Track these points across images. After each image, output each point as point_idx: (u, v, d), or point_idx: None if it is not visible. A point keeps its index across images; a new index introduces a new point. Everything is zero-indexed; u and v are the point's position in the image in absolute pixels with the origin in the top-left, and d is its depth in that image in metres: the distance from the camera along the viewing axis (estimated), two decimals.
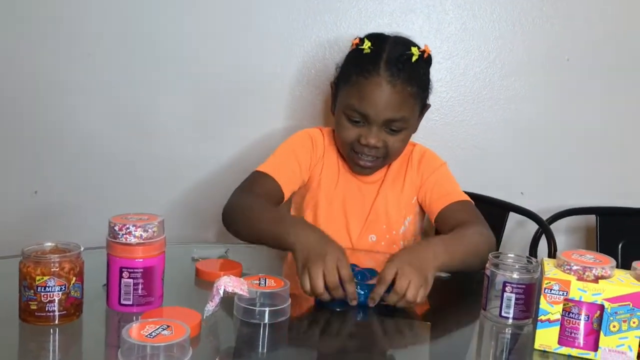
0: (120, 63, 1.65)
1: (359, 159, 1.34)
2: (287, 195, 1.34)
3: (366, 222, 1.40)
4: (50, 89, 1.65)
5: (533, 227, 1.58)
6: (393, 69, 1.25)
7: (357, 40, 1.33)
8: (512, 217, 1.61)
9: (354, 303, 1.02)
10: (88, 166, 1.69)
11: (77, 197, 1.69)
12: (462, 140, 1.71)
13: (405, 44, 1.31)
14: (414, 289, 0.99)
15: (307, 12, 1.63)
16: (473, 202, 1.35)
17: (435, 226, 1.38)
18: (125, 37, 1.64)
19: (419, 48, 1.31)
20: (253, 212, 1.20)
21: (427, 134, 1.58)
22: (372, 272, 1.09)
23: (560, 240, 1.69)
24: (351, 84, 1.29)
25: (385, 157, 1.34)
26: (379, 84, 1.25)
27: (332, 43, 1.58)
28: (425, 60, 1.33)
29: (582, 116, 1.70)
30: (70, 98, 1.66)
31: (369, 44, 1.30)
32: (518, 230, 1.70)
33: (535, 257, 1.53)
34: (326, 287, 1.00)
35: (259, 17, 1.63)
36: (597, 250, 1.59)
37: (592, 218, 1.66)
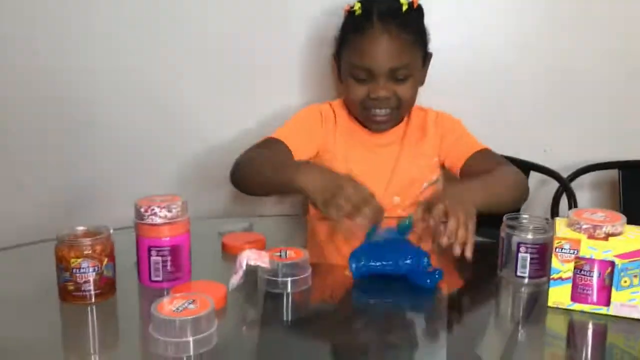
0: (138, 44, 1.68)
1: (373, 115, 1.38)
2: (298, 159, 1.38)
3: (388, 185, 1.43)
4: (74, 73, 1.70)
5: (555, 184, 1.59)
6: (385, 20, 1.32)
7: (347, 7, 1.40)
8: (534, 175, 1.61)
9: (382, 217, 1.05)
10: (114, 149, 1.74)
11: (106, 179, 1.74)
12: (481, 97, 1.70)
13: None
14: (463, 228, 1.00)
15: None
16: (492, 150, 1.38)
17: (462, 177, 1.40)
18: (141, 16, 1.66)
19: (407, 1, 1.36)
20: (257, 163, 1.25)
21: (445, 91, 1.58)
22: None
23: (584, 196, 1.70)
24: (350, 45, 1.36)
25: (398, 108, 1.38)
26: (375, 36, 1.32)
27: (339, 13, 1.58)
28: (416, 10, 1.38)
29: (604, 69, 1.68)
30: (94, 82, 1.70)
31: (359, 5, 1.37)
32: (541, 189, 1.70)
33: (557, 215, 1.54)
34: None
35: None
36: (620, 206, 1.61)
37: (615, 173, 1.65)
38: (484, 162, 1.34)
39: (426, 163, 1.43)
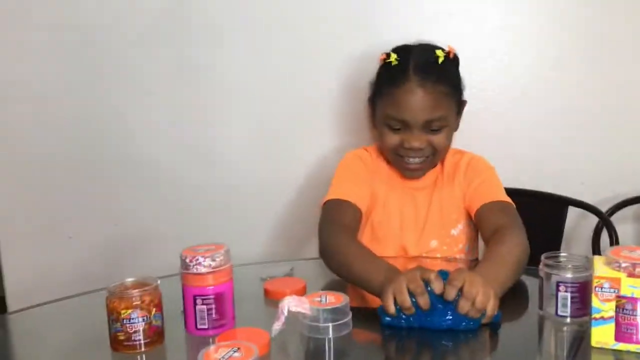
0: (181, 98, 1.77)
1: (406, 163, 1.39)
2: (364, 212, 1.39)
3: (424, 228, 1.44)
4: (123, 126, 1.78)
5: (595, 219, 1.58)
6: (422, 73, 1.33)
7: (383, 56, 1.41)
8: (573, 209, 1.60)
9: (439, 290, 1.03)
10: (161, 197, 1.81)
11: (153, 226, 1.81)
12: (515, 136, 1.72)
13: (429, 48, 1.38)
14: (482, 296, 1.01)
15: (347, 27, 1.69)
16: (514, 206, 1.34)
17: (475, 224, 1.40)
18: (182, 72, 1.75)
19: (443, 50, 1.37)
20: (347, 257, 1.23)
21: (478, 132, 1.60)
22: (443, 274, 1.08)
23: (625, 230, 1.67)
24: (385, 95, 1.37)
25: (433, 155, 1.39)
26: (411, 89, 1.32)
27: (376, 56, 1.62)
28: (452, 60, 1.40)
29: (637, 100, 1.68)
30: (140, 138, 1.79)
31: (395, 55, 1.38)
32: (581, 223, 1.69)
33: (599, 250, 1.53)
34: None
35: (307, 40, 1.72)
36: None
37: None
38: (497, 216, 1.30)
39: (456, 206, 1.43)
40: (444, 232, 1.43)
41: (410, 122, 1.34)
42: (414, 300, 1.03)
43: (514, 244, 1.20)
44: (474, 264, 1.37)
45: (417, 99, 1.32)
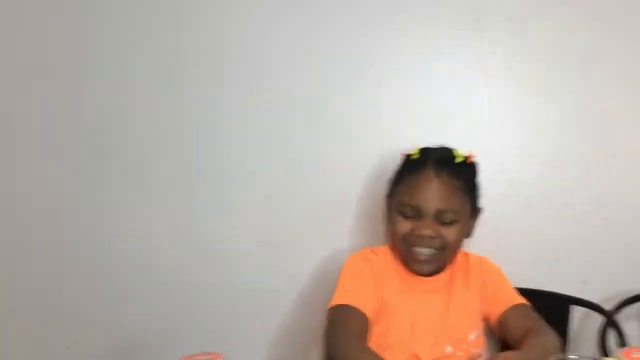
0: (188, 198, 1.75)
1: (416, 254, 1.38)
2: (370, 318, 1.36)
3: (440, 333, 1.39)
4: (114, 226, 1.76)
5: (599, 317, 1.55)
6: (439, 165, 1.38)
7: (405, 152, 1.48)
8: (577, 309, 1.58)
9: None
10: (162, 300, 1.76)
11: (153, 336, 1.75)
12: (518, 235, 1.71)
13: (449, 148, 1.46)
14: None
15: (358, 129, 1.71)
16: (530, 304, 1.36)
17: (499, 330, 1.38)
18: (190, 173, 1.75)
19: (463, 154, 1.44)
20: None
21: (481, 232, 1.57)
22: None
23: (632, 327, 1.64)
24: (403, 183, 1.42)
25: (442, 250, 1.38)
26: (428, 177, 1.37)
27: (390, 156, 1.63)
28: (470, 165, 1.45)
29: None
30: (139, 242, 1.76)
31: (417, 150, 1.45)
32: (585, 322, 1.66)
33: (604, 349, 1.49)
34: None
35: (320, 141, 1.72)
36: None
37: None
38: (523, 320, 1.33)
39: (471, 311, 1.41)
40: (460, 337, 1.39)
41: (422, 210, 1.36)
42: None
43: (547, 340, 1.22)
44: None
45: (432, 187, 1.36)
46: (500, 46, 1.68)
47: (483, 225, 1.58)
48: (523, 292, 1.49)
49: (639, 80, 1.69)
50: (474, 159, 1.46)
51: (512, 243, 1.70)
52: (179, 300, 1.76)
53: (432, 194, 1.36)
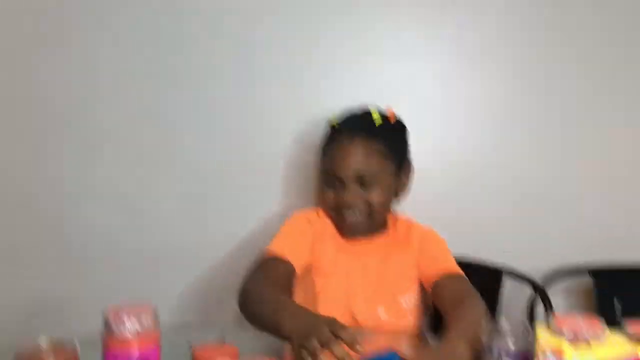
0: (118, 154, 1.70)
1: (343, 220, 1.41)
2: (298, 272, 1.37)
3: (372, 294, 1.41)
4: (47, 180, 1.69)
5: (529, 289, 1.59)
6: (353, 130, 1.40)
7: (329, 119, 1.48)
8: (509, 279, 1.62)
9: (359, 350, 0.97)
10: (88, 257, 1.71)
11: (78, 288, 1.69)
12: (452, 203, 1.74)
13: (367, 110, 1.46)
14: None
15: (301, 90, 1.70)
16: (467, 277, 1.37)
17: (432, 297, 1.39)
18: (118, 125, 1.69)
19: (383, 114, 1.44)
20: (260, 304, 1.21)
21: (417, 199, 1.59)
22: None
23: (558, 300, 1.69)
24: (323, 154, 1.45)
25: (369, 215, 1.40)
26: (342, 143, 1.39)
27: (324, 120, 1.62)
28: (393, 123, 1.45)
29: (574, 179, 1.74)
30: (70, 189, 1.70)
31: (335, 117, 1.46)
32: (515, 293, 1.69)
33: (533, 319, 1.53)
34: None
35: (255, 96, 1.70)
36: (595, 308, 1.61)
37: (588, 279, 1.66)
38: (454, 288, 1.33)
39: (406, 274, 1.43)
40: (392, 299, 1.41)
41: (341, 176, 1.38)
42: None
43: (476, 311, 1.22)
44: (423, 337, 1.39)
45: (347, 153, 1.38)
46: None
47: (417, 198, 1.59)
48: (457, 262, 1.51)
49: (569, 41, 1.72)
50: (396, 117, 1.45)
51: (448, 215, 1.72)
52: (99, 253, 1.71)
53: (348, 160, 1.37)
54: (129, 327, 0.93)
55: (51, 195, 1.70)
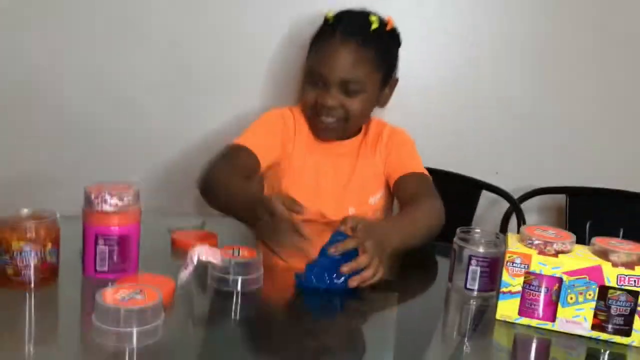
0: (96, 35, 1.65)
1: (319, 121, 1.39)
2: (263, 165, 1.38)
3: (344, 194, 1.43)
4: (22, 58, 1.65)
5: (505, 205, 1.63)
6: (349, 32, 1.33)
7: (327, 14, 1.42)
8: (485, 195, 1.65)
9: (300, 210, 1.04)
10: (64, 137, 1.69)
11: (53, 168, 1.69)
12: (438, 119, 1.73)
13: (366, 14, 1.39)
14: (371, 271, 1.01)
15: None
16: (431, 178, 1.38)
17: (393, 192, 1.42)
18: (101, 9, 1.64)
19: (381, 20, 1.38)
20: (224, 187, 1.23)
21: (403, 110, 1.59)
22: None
23: (531, 219, 1.73)
24: (313, 49, 1.40)
25: (345, 121, 1.39)
26: (334, 44, 1.34)
27: (311, 21, 1.58)
28: (389, 32, 1.40)
29: (559, 100, 1.74)
30: (44, 68, 1.66)
31: (332, 14, 1.40)
32: (491, 208, 1.74)
33: (506, 232, 1.57)
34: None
35: None
36: (566, 229, 1.65)
37: (562, 198, 1.70)
38: (414, 186, 1.34)
39: (375, 175, 1.44)
40: (362, 199, 1.43)
41: (327, 78, 1.35)
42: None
43: (428, 209, 1.24)
44: None
45: (337, 55, 1.34)
46: None
47: (401, 110, 1.58)
48: (439, 173, 1.54)
49: None
50: (393, 26, 1.41)
51: (433, 128, 1.72)
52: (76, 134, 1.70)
53: (337, 62, 1.33)
54: (110, 201, 0.94)
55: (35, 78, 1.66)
